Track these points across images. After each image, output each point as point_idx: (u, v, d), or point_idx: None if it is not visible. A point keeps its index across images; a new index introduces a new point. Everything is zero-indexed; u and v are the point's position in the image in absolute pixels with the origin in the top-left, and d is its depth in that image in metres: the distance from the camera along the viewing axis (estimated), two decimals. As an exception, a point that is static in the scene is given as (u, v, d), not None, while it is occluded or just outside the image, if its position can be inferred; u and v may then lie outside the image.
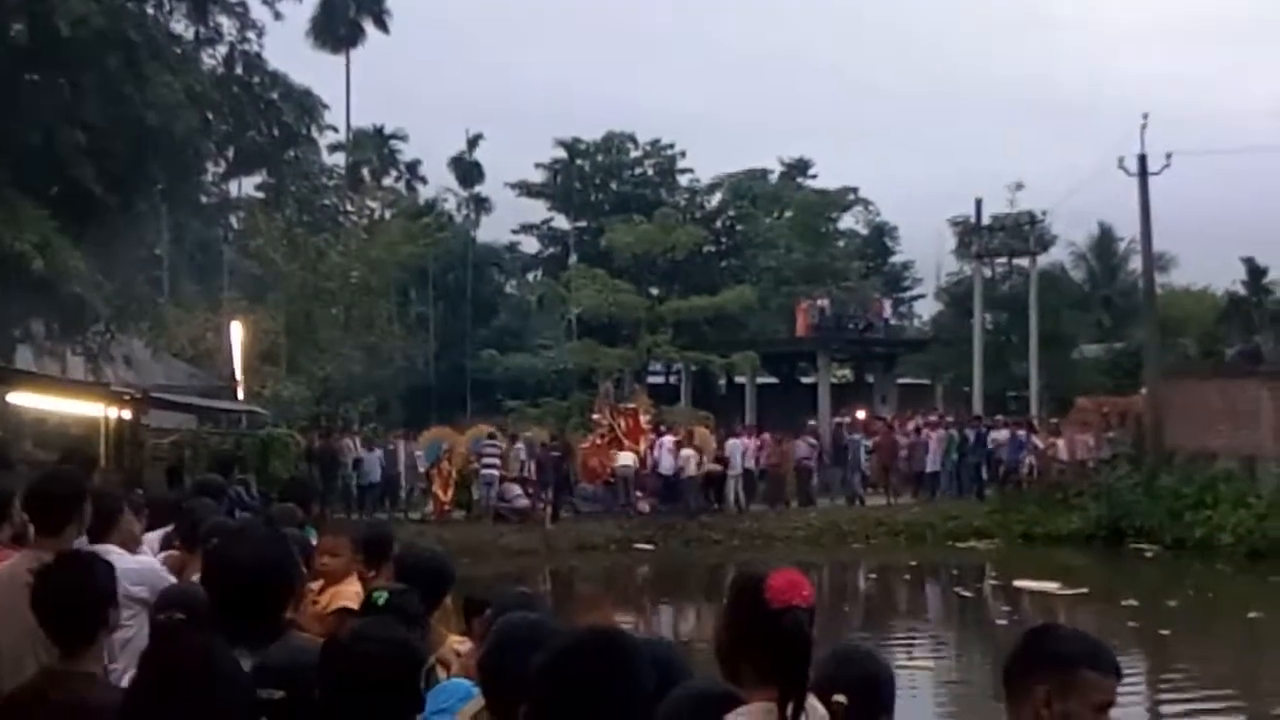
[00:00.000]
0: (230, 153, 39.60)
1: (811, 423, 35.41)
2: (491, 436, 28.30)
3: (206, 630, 3.97)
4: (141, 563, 5.42)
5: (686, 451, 28.66)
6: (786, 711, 2.99)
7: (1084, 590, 22.51)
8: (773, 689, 3.03)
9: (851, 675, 3.35)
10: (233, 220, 48.08)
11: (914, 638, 20.41)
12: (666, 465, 28.57)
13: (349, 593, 5.38)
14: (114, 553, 5.40)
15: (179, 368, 29.14)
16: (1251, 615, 20.89)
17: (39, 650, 4.03)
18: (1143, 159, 32.69)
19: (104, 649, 3.88)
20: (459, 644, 4.94)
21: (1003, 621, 21.23)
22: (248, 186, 49.90)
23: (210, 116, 27.97)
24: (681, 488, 28.63)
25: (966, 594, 24.20)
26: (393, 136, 58.68)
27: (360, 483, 27.42)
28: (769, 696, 3.04)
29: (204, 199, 42.24)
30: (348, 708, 2.77)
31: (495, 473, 27.20)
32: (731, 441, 29.79)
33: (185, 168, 26.46)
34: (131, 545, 5.78)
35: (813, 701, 3.12)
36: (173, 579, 5.37)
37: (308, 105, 45.26)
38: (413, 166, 59.24)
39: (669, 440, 28.97)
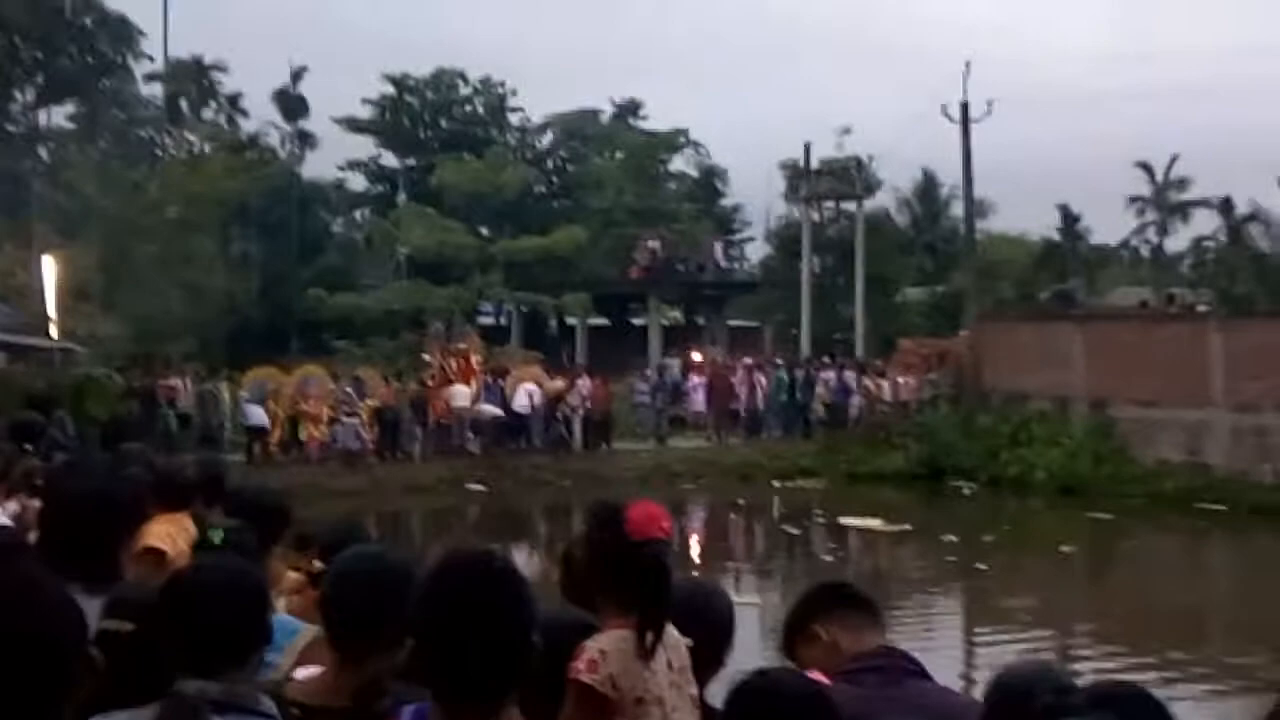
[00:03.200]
0: (41, 80, 37.96)
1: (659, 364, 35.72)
2: (342, 379, 28.04)
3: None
4: None
5: (531, 388, 29.03)
6: (646, 640, 3.01)
7: (906, 527, 23.18)
8: (630, 618, 3.05)
9: (704, 616, 3.39)
10: (43, 151, 46.11)
11: (741, 574, 20.77)
12: (520, 403, 28.71)
13: (158, 531, 5.16)
14: None
15: (-12, 304, 27.90)
16: (1064, 549, 21.76)
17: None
18: (965, 106, 33.58)
19: None
20: (297, 580, 4.83)
21: (828, 558, 21.73)
22: (59, 117, 47.92)
23: (18, 40, 26.69)
24: (529, 425, 28.90)
25: (793, 531, 24.68)
26: (213, 67, 56.50)
27: (244, 424, 26.84)
28: (626, 625, 3.05)
29: (12, 128, 40.48)
30: (193, 644, 2.68)
31: (354, 420, 27.15)
32: (579, 382, 30.03)
33: (-8, 94, 25.23)
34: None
35: (670, 630, 3.14)
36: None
37: (123, 32, 43.68)
38: (234, 99, 57.19)
39: (531, 386, 29.13)
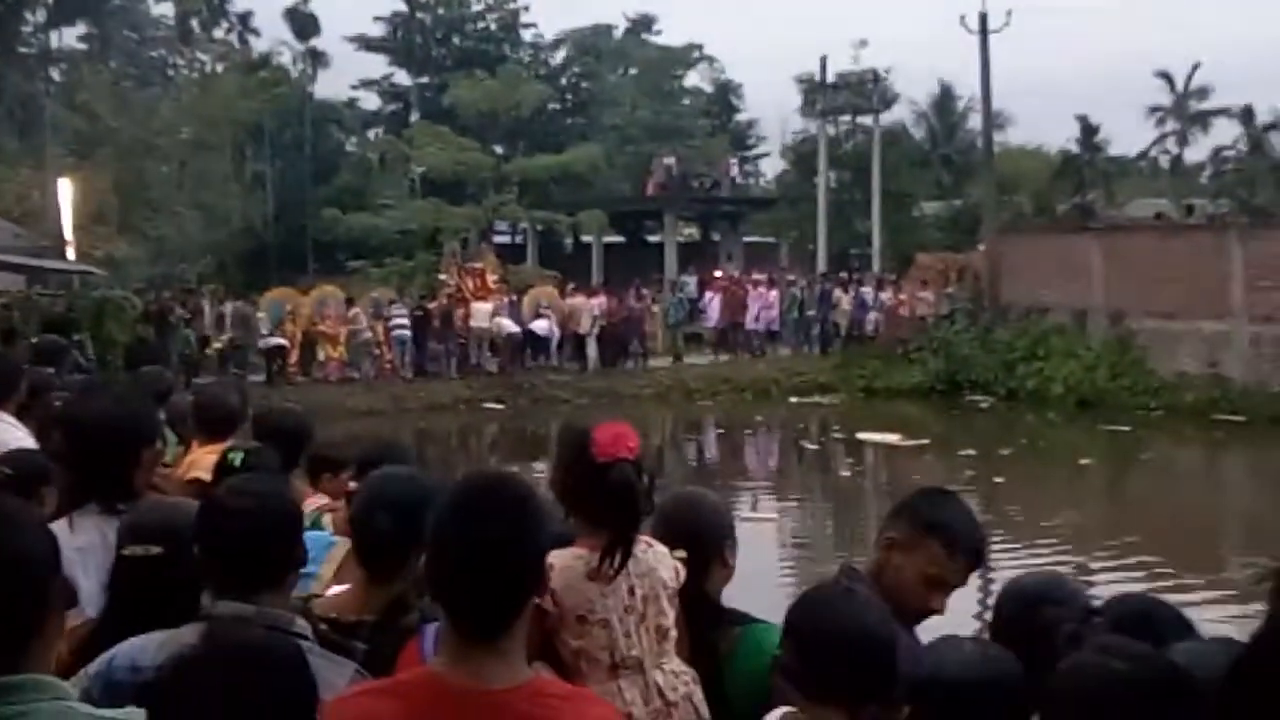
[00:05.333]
0: (51, 1, 37.74)
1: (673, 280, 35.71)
2: (350, 301, 28.20)
3: (32, 489, 3.88)
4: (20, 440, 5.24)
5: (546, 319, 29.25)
6: (614, 559, 3.03)
7: (924, 441, 23.24)
8: (598, 539, 3.07)
9: (690, 526, 3.39)
10: (54, 73, 45.90)
11: (759, 490, 20.88)
12: (541, 327, 28.97)
13: (205, 463, 5.20)
14: (4, 421, 5.26)
15: (4, 228, 27.91)
16: (1082, 462, 21.81)
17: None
18: (983, 17, 33.05)
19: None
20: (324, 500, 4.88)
21: (846, 473, 21.85)
22: (70, 38, 47.66)
23: (27, -39, 26.51)
24: (546, 343, 29.37)
25: (811, 447, 24.76)
26: (224, -14, 56.32)
27: (263, 346, 26.96)
28: (594, 545, 3.08)
29: (24, 50, 40.30)
30: (230, 566, 2.70)
31: (367, 335, 27.38)
32: (591, 301, 30.12)
33: (3, 17, 25.04)
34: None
35: (648, 558, 3.15)
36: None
37: (132, -49, 43.28)
38: (245, 18, 56.85)
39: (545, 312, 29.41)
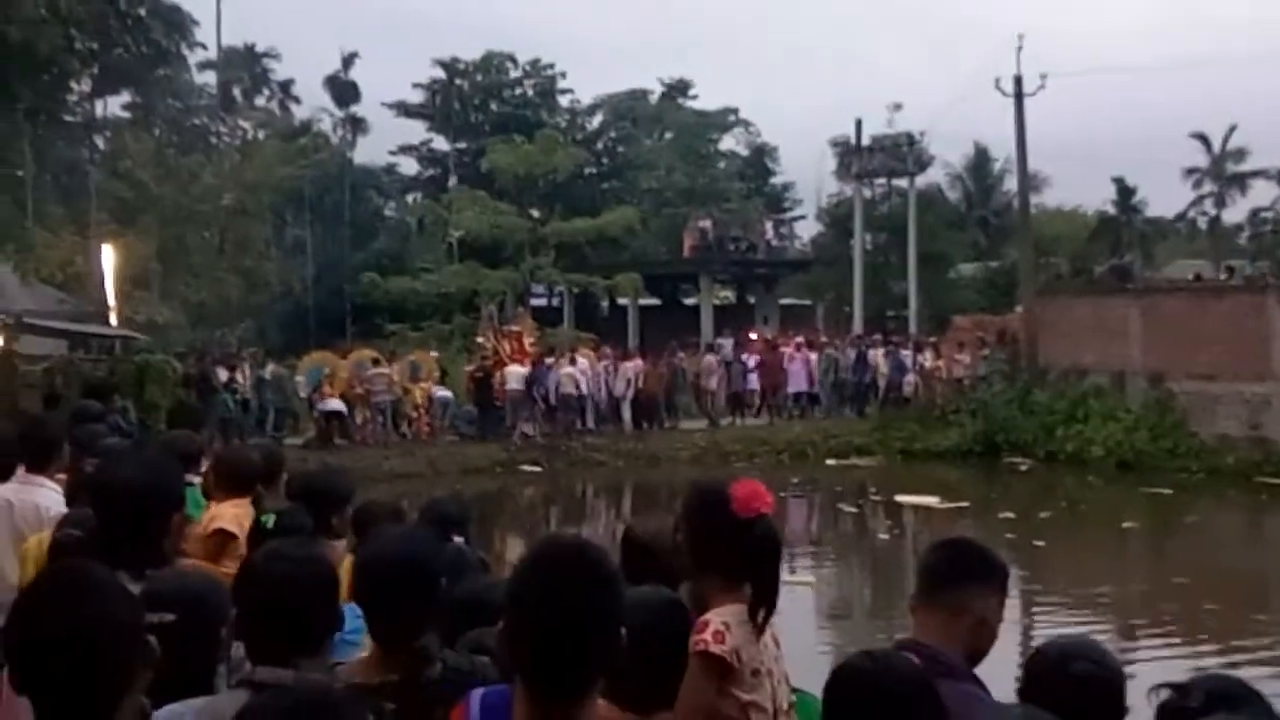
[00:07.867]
0: (96, 70, 38.42)
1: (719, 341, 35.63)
2: (375, 362, 28.10)
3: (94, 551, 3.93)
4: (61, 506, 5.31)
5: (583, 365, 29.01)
6: (758, 616, 3.09)
7: (963, 504, 23.05)
8: (738, 594, 3.10)
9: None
10: (99, 141, 46.66)
11: (798, 553, 20.72)
12: (570, 387, 28.66)
13: (227, 514, 5.27)
14: (47, 487, 5.32)
15: (48, 293, 28.27)
16: (1124, 525, 21.57)
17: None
18: (1018, 80, 33.14)
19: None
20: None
21: (884, 536, 21.68)
22: (115, 106, 48.50)
23: (75, 33, 27.03)
24: (582, 407, 28.99)
25: (850, 510, 24.60)
26: (265, 55, 57.21)
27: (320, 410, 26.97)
28: (735, 600, 3.10)
29: (69, 118, 41.00)
30: (270, 631, 2.72)
31: (387, 398, 27.22)
32: (626, 364, 30.03)
33: (50, 86, 25.52)
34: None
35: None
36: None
37: (176, 21, 44.04)
38: (286, 86, 57.85)
39: (582, 361, 29.16)
